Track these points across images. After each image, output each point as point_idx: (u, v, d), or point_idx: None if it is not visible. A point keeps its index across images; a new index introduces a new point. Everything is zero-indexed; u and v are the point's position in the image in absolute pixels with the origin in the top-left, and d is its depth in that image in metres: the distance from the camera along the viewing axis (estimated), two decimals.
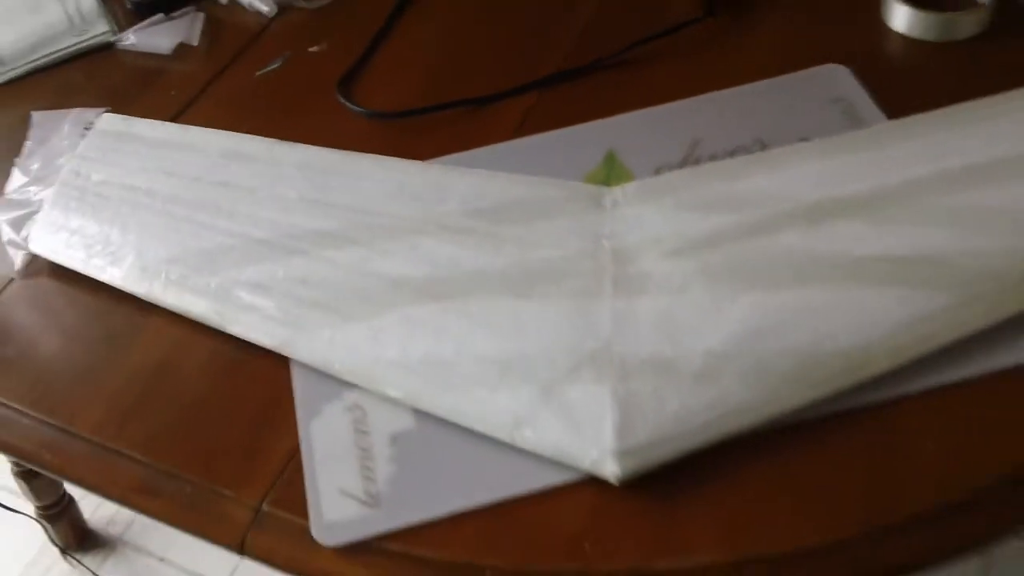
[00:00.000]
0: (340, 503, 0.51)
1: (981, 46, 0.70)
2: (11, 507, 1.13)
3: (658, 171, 0.63)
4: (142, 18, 0.83)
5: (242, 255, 0.61)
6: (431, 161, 0.67)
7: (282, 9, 0.83)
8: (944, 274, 0.54)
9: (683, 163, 0.64)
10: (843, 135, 0.63)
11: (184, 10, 0.83)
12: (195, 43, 0.81)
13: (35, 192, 0.69)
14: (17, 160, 0.72)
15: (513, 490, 0.51)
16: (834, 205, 0.58)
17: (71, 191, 0.68)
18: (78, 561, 1.22)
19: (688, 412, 0.50)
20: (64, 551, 1.21)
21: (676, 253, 0.57)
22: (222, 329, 0.59)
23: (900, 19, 0.71)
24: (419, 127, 0.71)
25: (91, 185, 0.68)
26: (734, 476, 0.50)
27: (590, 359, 0.53)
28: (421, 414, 0.54)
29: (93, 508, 1.27)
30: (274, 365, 0.58)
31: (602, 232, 0.59)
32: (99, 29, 0.82)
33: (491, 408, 0.52)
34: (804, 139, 0.63)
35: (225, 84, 0.77)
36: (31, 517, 1.17)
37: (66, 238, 0.65)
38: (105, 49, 0.82)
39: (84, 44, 0.81)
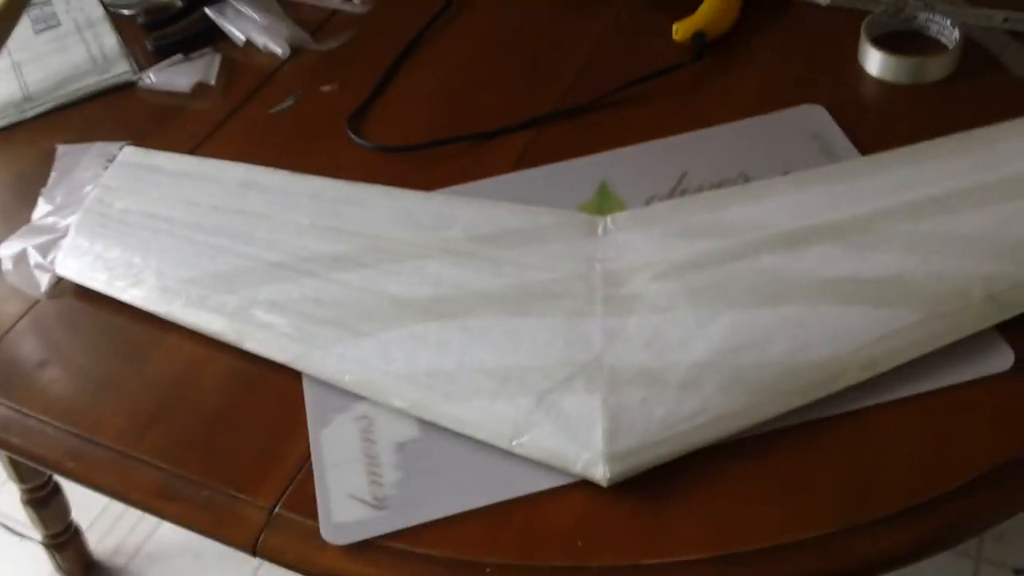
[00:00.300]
0: (349, 506, 0.55)
1: (948, 88, 0.75)
2: (20, 532, 1.15)
3: (648, 201, 0.68)
4: (162, 59, 0.87)
5: (258, 277, 0.65)
6: (436, 192, 0.71)
7: (295, 51, 0.87)
8: (910, 294, 0.58)
9: (671, 194, 0.68)
10: (819, 169, 0.67)
11: (202, 51, 0.88)
12: (212, 82, 0.85)
13: (60, 219, 0.73)
14: (43, 190, 0.76)
15: (511, 493, 0.54)
16: (810, 232, 0.62)
17: (95, 218, 0.72)
18: None
19: (673, 419, 0.54)
20: None
21: (663, 275, 0.61)
22: (238, 346, 0.63)
23: (873, 63, 0.76)
24: (425, 160, 0.75)
25: (114, 212, 0.72)
26: (718, 478, 0.54)
27: (582, 371, 0.57)
28: (425, 423, 0.58)
29: (98, 538, 1.29)
30: (286, 379, 0.61)
31: (594, 256, 0.64)
32: (121, 69, 0.87)
33: (490, 417, 0.56)
34: (784, 173, 0.67)
35: (241, 121, 0.82)
36: (39, 542, 1.20)
37: (90, 262, 0.69)
38: (127, 87, 0.86)
39: (106, 82, 0.86)
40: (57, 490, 1.17)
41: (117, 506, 1.48)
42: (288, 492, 0.56)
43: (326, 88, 0.83)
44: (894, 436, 0.54)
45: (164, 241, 0.69)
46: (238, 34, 0.89)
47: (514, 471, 0.55)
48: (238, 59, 0.88)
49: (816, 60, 0.79)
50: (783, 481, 0.53)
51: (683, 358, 0.56)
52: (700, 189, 0.68)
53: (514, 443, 0.55)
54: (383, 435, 0.58)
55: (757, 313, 0.58)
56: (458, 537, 0.53)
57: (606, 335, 0.59)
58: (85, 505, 1.25)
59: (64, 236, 0.71)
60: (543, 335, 0.59)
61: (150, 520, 1.46)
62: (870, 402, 0.55)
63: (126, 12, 0.94)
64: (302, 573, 0.54)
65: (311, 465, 0.57)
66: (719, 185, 0.68)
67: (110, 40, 0.90)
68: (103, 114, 0.84)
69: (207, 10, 0.90)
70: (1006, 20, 0.78)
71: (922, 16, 0.78)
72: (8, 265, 0.70)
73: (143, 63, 0.88)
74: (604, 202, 0.69)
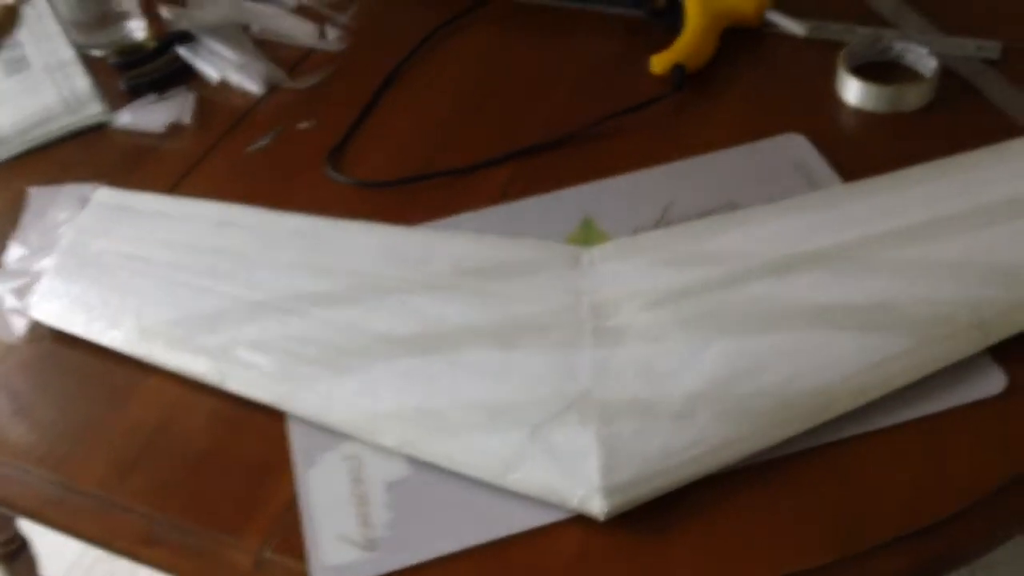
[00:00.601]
0: (339, 548, 0.53)
1: (925, 116, 0.75)
2: None
3: (634, 231, 0.67)
4: (135, 99, 0.86)
5: (240, 316, 0.64)
6: (418, 226, 0.70)
7: (271, 89, 0.87)
8: (898, 320, 0.58)
9: (657, 224, 0.68)
10: (803, 196, 0.67)
11: (175, 90, 0.87)
12: (187, 121, 0.84)
13: (34, 262, 0.72)
14: (15, 233, 0.75)
15: (505, 530, 0.53)
16: (796, 259, 0.62)
17: (71, 260, 0.70)
18: None
19: (668, 451, 0.53)
20: None
21: (652, 305, 0.61)
22: (221, 387, 0.61)
23: (852, 92, 0.76)
24: (406, 196, 0.74)
25: (90, 254, 0.71)
26: (713, 509, 0.53)
27: (574, 404, 0.56)
28: (415, 461, 0.57)
29: None
30: (271, 420, 0.60)
31: (581, 288, 0.63)
32: (93, 109, 0.86)
33: (481, 453, 0.55)
34: (768, 201, 0.67)
35: (217, 159, 0.81)
36: None
37: (67, 304, 0.68)
38: (100, 128, 0.85)
39: (79, 123, 0.85)
40: (24, 546, 1.14)
41: (86, 560, 1.45)
42: (276, 534, 0.55)
43: (303, 125, 0.83)
44: (888, 463, 0.54)
45: (143, 282, 0.68)
46: (213, 73, 0.88)
47: (508, 508, 0.54)
48: (213, 98, 0.87)
49: (795, 90, 0.80)
50: (779, 511, 0.53)
51: (676, 388, 0.56)
52: (685, 219, 0.68)
53: (508, 479, 0.54)
54: (372, 474, 0.57)
55: (748, 341, 0.58)
56: None
57: (597, 367, 0.58)
58: (53, 558, 1.23)
59: (39, 279, 0.70)
60: (533, 368, 0.59)
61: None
62: (863, 429, 0.55)
63: (97, 53, 0.93)
64: None
65: (299, 507, 0.56)
66: (704, 214, 0.68)
67: (82, 81, 0.89)
68: (76, 155, 0.83)
69: (180, 49, 0.90)
70: (980, 48, 0.79)
71: (898, 46, 0.79)
72: None
73: (116, 103, 0.87)
74: (589, 233, 0.68)
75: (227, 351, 0.62)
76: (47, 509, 0.59)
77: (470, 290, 0.64)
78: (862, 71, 0.77)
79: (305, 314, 0.64)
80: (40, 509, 0.59)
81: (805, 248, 0.63)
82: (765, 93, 0.80)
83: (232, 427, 0.61)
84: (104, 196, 0.76)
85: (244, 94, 0.87)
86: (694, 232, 0.66)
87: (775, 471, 0.54)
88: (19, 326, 0.68)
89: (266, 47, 0.91)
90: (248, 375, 0.61)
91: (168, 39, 0.91)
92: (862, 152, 0.73)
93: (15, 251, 0.73)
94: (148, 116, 0.85)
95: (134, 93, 0.87)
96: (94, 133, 0.85)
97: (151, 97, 0.87)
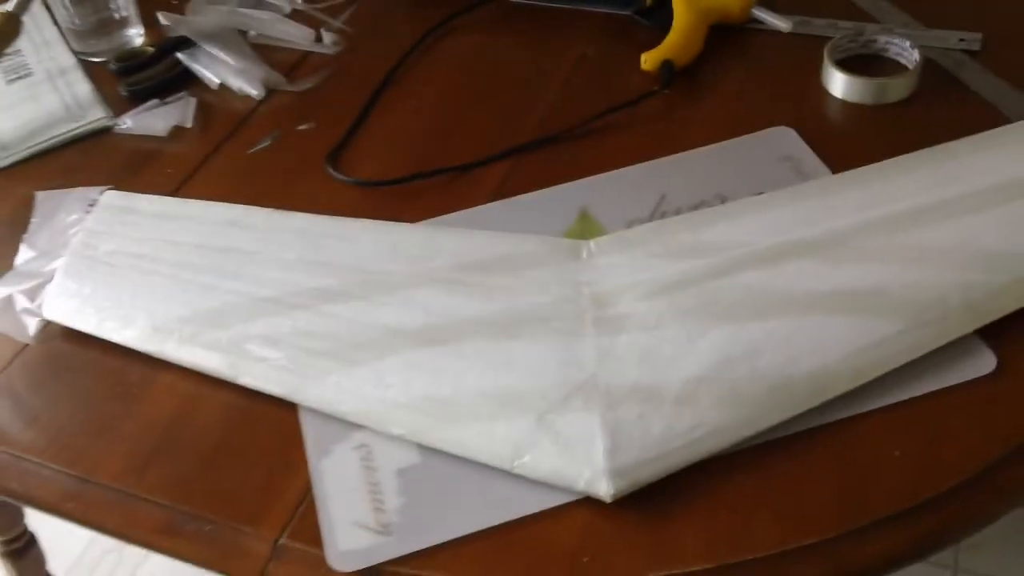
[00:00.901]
0: (353, 533, 0.55)
1: (910, 107, 0.78)
2: None
3: (629, 225, 0.69)
4: (136, 104, 0.88)
5: (250, 312, 0.66)
6: (419, 223, 0.72)
7: (270, 92, 0.88)
8: (890, 304, 0.60)
9: (651, 217, 0.70)
10: (793, 187, 0.69)
11: (177, 95, 0.88)
12: (189, 125, 0.86)
13: (45, 264, 0.73)
14: (24, 236, 0.76)
15: (515, 513, 0.55)
16: (788, 247, 0.64)
17: (81, 261, 0.72)
18: None
19: (671, 433, 0.55)
20: None
21: (649, 295, 0.63)
22: (234, 381, 0.63)
23: (838, 85, 0.79)
24: (406, 194, 0.76)
25: (100, 255, 0.72)
26: (717, 490, 0.55)
27: (579, 390, 0.58)
28: (425, 449, 0.58)
29: None
30: (283, 412, 0.62)
31: (581, 280, 0.65)
32: (96, 115, 0.87)
33: (490, 439, 0.57)
34: (759, 192, 0.70)
35: (219, 162, 0.82)
36: None
37: (78, 304, 0.69)
38: (103, 133, 0.86)
39: (82, 129, 0.86)
40: (33, 541, 1.16)
41: (92, 555, 1.47)
42: (292, 522, 0.56)
43: (303, 127, 0.84)
44: (885, 442, 0.56)
45: (153, 281, 0.69)
46: (212, 77, 0.90)
47: (517, 492, 0.56)
48: (213, 102, 0.88)
49: (782, 84, 0.82)
50: (780, 490, 0.55)
51: (676, 374, 0.58)
52: (679, 211, 0.70)
53: (515, 464, 0.56)
54: (383, 462, 0.58)
55: (745, 328, 0.60)
56: (464, 559, 0.54)
57: (599, 354, 0.60)
58: (57, 554, 1.24)
59: (50, 280, 0.71)
60: (536, 357, 0.60)
61: (125, 569, 1.45)
62: (859, 410, 0.57)
63: (97, 59, 0.94)
64: None
65: (313, 495, 0.57)
66: (697, 207, 0.70)
67: (83, 87, 0.91)
68: (80, 160, 0.84)
69: (179, 55, 0.91)
70: (961, 40, 0.82)
71: (881, 39, 0.81)
72: None
73: (117, 109, 0.88)
74: (586, 226, 0.70)
75: (238, 346, 0.64)
76: (66, 503, 0.60)
77: (472, 284, 0.66)
78: (847, 64, 0.79)
79: (313, 309, 0.65)
80: (59, 504, 0.60)
81: (796, 237, 0.65)
82: (753, 88, 0.82)
83: (246, 420, 0.62)
84: (112, 199, 0.77)
85: (244, 98, 0.88)
86: (688, 224, 0.68)
87: (775, 452, 0.56)
88: (32, 326, 0.69)
89: (264, 51, 0.93)
90: (260, 369, 0.63)
91: (167, 45, 0.92)
92: (849, 143, 0.75)
93: (25, 253, 0.75)
94: (150, 120, 0.86)
95: (135, 98, 0.89)
96: (97, 138, 0.86)
97: (153, 102, 0.88)
